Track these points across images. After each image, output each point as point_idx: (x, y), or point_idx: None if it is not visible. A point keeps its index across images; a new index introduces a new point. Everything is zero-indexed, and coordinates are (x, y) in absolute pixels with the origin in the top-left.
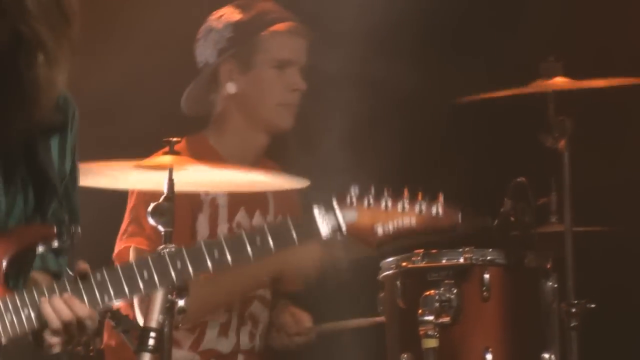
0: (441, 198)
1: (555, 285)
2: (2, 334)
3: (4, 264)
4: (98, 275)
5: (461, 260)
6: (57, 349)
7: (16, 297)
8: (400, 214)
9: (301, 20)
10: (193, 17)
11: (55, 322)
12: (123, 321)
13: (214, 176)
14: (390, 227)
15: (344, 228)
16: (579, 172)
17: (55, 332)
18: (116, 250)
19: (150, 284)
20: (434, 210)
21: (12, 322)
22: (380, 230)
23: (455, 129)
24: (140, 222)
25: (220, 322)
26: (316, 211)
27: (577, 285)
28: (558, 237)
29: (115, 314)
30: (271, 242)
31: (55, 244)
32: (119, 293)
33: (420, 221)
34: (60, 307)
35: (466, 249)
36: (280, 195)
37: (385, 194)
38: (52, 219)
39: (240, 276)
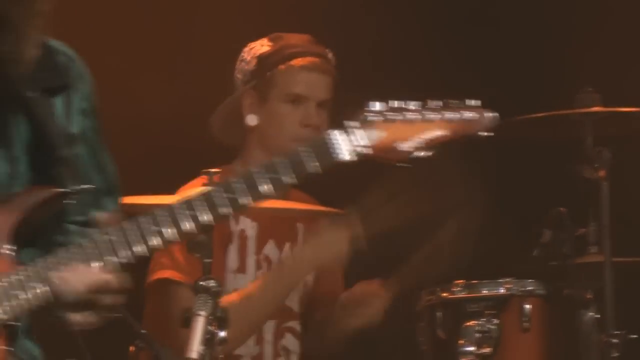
0: (469, 101)
1: (596, 316)
2: (15, 310)
3: (7, 232)
4: (105, 235)
5: (501, 290)
6: (84, 321)
7: (28, 271)
8: (428, 124)
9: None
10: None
11: (71, 297)
12: (154, 347)
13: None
14: (419, 140)
15: (366, 148)
16: (617, 202)
17: (74, 306)
18: (148, 281)
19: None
20: (464, 115)
21: (35, 293)
22: (407, 146)
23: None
24: (172, 254)
25: (252, 355)
26: (334, 133)
27: (617, 316)
28: (598, 267)
29: (146, 339)
30: (290, 173)
31: (60, 206)
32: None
33: (451, 128)
34: (72, 279)
35: (506, 279)
36: (310, 227)
37: (409, 105)
38: (59, 182)
39: (269, 292)
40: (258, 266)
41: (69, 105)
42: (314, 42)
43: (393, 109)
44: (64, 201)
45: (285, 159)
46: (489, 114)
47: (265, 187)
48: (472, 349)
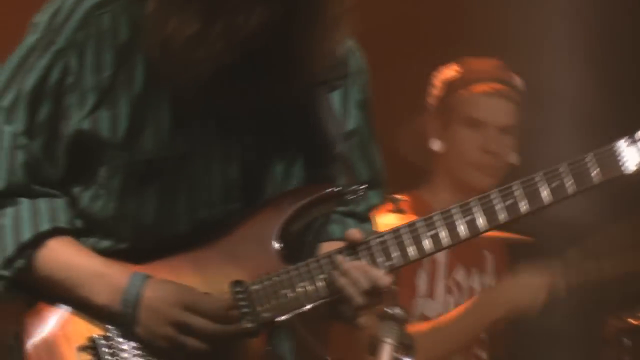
0: None
1: None
2: (281, 309)
3: (279, 227)
4: (379, 238)
5: None
6: (355, 317)
7: (309, 266)
8: None
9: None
10: None
11: (353, 292)
12: None
13: None
14: None
15: None
16: None
17: (352, 301)
18: None
19: (436, 242)
20: None
21: (305, 292)
22: None
23: None
24: None
25: None
26: (620, 143)
27: None
28: None
29: None
30: (571, 182)
31: (336, 204)
32: (404, 256)
33: None
34: (356, 276)
35: None
36: (499, 255)
37: None
38: (332, 179)
39: (461, 326)
40: (448, 291)
41: (347, 99)
42: (501, 67)
43: None
44: (336, 200)
45: (567, 167)
46: None
47: (545, 193)
48: None
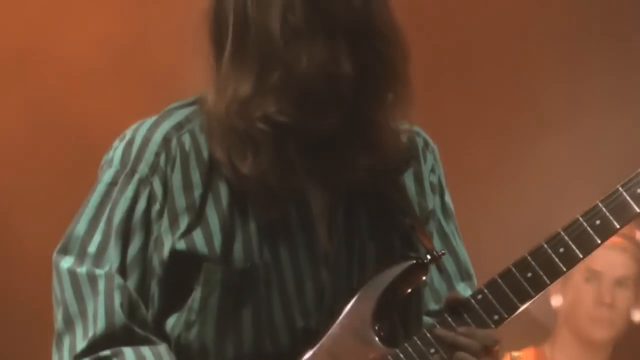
0: None
1: None
2: None
3: (372, 311)
4: (478, 295)
5: None
6: None
7: (416, 344)
8: None
9: None
10: None
11: (467, 358)
12: None
13: None
14: None
15: None
16: None
17: None
18: None
19: (537, 283)
20: None
21: None
22: None
23: None
24: None
25: None
26: None
27: None
28: None
29: None
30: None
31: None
32: (509, 306)
33: None
34: (466, 342)
35: None
36: None
37: None
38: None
39: None
40: None
41: (421, 178)
42: None
43: None
44: (421, 271)
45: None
46: None
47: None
48: None
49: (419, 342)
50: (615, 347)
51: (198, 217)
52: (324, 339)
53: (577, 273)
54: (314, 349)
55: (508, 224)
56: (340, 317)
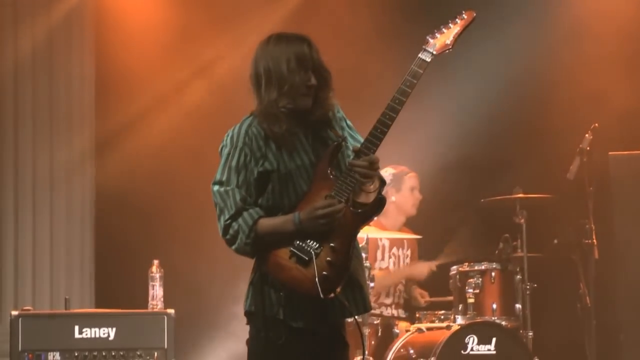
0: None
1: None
2: (347, 194)
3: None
4: (363, 144)
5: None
6: (370, 184)
7: (341, 177)
8: (451, 29)
9: None
10: None
11: (361, 170)
12: None
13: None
14: (451, 38)
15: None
16: (530, 232)
17: (364, 174)
18: None
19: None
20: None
21: (345, 185)
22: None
23: None
24: None
25: None
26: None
27: (525, 277)
28: (521, 259)
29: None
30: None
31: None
32: (378, 138)
33: (461, 29)
34: (360, 163)
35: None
36: (412, 245)
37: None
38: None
39: (394, 275)
40: (389, 257)
41: (337, 122)
42: None
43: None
44: (338, 146)
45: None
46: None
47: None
48: None
49: (345, 172)
50: None
51: (264, 157)
52: (312, 185)
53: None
54: (311, 188)
55: None
56: (315, 172)
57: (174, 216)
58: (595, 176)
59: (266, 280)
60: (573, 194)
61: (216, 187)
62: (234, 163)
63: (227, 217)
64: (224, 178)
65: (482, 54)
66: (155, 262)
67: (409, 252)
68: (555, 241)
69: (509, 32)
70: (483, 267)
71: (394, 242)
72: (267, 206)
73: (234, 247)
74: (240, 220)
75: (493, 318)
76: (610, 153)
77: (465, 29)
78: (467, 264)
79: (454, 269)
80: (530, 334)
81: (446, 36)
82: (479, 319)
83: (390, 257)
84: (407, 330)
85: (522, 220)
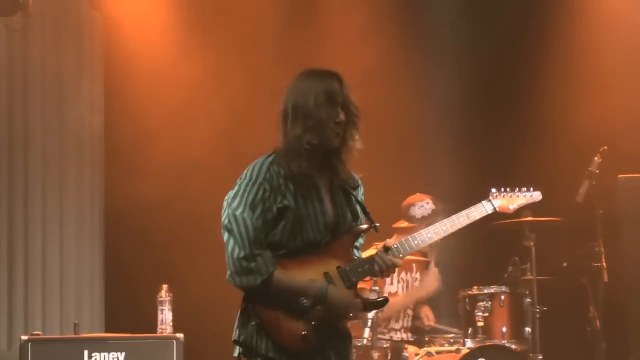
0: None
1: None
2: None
3: (352, 242)
4: (395, 245)
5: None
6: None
7: (360, 260)
8: (518, 199)
9: None
10: None
11: (382, 265)
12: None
13: None
14: (515, 206)
15: (496, 209)
16: (539, 255)
17: (383, 270)
18: None
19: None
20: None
21: (364, 271)
22: (512, 208)
23: None
24: None
25: None
26: (483, 203)
27: (535, 300)
28: (530, 282)
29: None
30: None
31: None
32: (407, 251)
33: (525, 203)
34: (385, 259)
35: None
36: (420, 268)
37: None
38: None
39: (405, 300)
40: (399, 282)
41: (357, 194)
42: None
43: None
44: (367, 229)
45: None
46: (539, 196)
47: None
48: None
49: (367, 259)
50: None
51: (283, 195)
52: (329, 246)
53: None
54: (328, 248)
55: None
56: (338, 239)
57: (183, 241)
58: (604, 199)
59: (253, 312)
60: (582, 217)
61: (231, 211)
62: (251, 197)
63: (241, 253)
64: (241, 207)
65: None
66: (165, 286)
67: (417, 276)
68: (565, 264)
69: None
70: (493, 291)
71: (403, 267)
72: (272, 242)
73: (240, 280)
74: (259, 260)
75: (503, 342)
76: (619, 176)
77: (527, 205)
78: (476, 287)
79: (463, 293)
80: (540, 357)
81: (511, 202)
82: (488, 343)
83: (399, 282)
84: (416, 355)
85: (532, 244)
